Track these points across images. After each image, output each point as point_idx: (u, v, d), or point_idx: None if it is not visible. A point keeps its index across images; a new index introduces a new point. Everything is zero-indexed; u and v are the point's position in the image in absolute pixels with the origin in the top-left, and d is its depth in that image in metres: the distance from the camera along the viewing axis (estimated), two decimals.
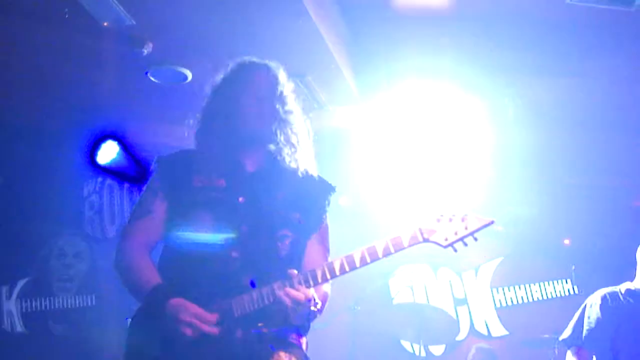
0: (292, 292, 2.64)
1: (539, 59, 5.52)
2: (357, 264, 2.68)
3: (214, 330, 2.65)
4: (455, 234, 2.67)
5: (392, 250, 2.68)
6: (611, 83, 5.71)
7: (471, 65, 5.56)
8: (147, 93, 5.89)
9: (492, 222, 2.69)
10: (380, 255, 2.67)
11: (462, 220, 2.68)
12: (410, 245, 2.69)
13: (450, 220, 2.68)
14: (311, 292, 2.68)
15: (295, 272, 2.70)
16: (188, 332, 2.64)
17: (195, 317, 2.65)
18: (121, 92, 5.62)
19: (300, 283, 2.67)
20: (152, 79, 5.65)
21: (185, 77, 5.62)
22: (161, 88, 5.82)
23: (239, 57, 3.11)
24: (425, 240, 2.68)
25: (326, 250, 3.00)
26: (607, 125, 6.24)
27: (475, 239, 2.69)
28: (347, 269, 2.68)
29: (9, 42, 4.98)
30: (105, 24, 4.87)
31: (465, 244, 2.70)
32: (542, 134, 6.51)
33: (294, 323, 2.80)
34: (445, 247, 2.68)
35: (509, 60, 5.54)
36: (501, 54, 5.44)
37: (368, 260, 2.67)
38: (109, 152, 5.60)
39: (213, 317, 2.67)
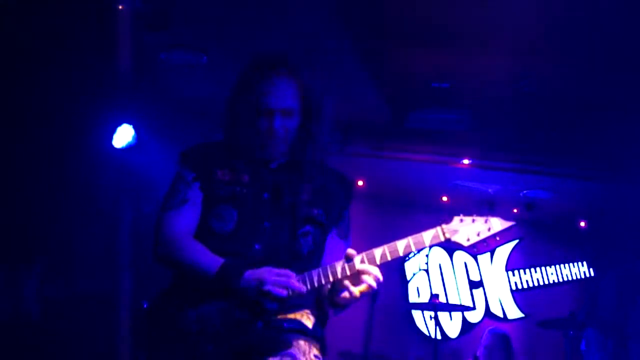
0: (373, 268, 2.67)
1: None
2: (378, 261, 2.70)
3: (302, 287, 2.66)
4: (478, 234, 2.71)
5: (414, 249, 2.71)
6: None
7: None
8: (162, 76, 5.87)
9: (514, 224, 2.73)
10: (401, 253, 2.71)
11: (485, 222, 2.73)
12: (431, 245, 2.74)
13: (474, 221, 2.73)
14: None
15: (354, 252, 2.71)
16: (283, 292, 2.64)
17: (279, 275, 2.65)
18: (136, 76, 5.60)
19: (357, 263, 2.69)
20: (167, 61, 5.63)
21: (202, 60, 5.60)
22: (176, 71, 5.80)
23: (261, 48, 3.08)
24: (447, 240, 2.72)
25: (346, 246, 2.96)
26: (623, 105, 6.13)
27: (497, 239, 2.75)
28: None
29: (23, 28, 4.96)
30: (120, 7, 4.85)
31: (486, 244, 2.75)
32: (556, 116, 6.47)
33: (342, 306, 2.78)
34: (467, 247, 2.72)
35: None
36: None
37: (389, 257, 2.70)
38: (124, 136, 5.60)
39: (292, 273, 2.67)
